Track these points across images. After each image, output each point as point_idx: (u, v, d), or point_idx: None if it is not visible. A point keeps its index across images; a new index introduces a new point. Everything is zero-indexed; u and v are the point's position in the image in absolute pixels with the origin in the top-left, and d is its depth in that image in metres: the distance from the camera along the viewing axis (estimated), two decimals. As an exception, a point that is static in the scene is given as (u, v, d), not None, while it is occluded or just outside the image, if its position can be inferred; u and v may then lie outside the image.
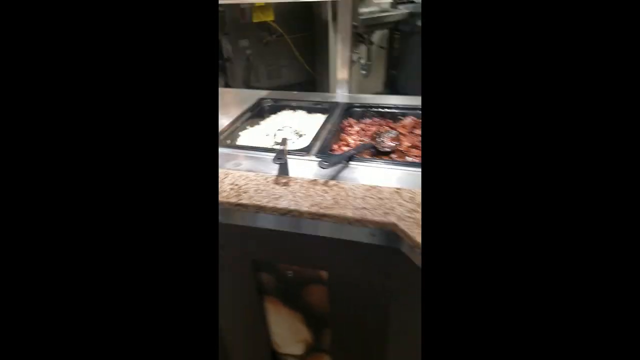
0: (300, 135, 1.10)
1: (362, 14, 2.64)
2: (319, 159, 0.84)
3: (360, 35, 3.10)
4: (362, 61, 3.15)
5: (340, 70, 1.24)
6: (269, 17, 2.83)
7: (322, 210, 0.68)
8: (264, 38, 3.09)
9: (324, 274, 0.82)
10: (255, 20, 2.82)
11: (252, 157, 0.90)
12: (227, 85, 3.48)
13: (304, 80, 3.38)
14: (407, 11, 2.69)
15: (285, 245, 0.80)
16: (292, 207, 0.70)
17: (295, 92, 1.28)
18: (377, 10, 2.81)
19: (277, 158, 0.79)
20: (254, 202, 0.72)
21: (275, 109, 1.23)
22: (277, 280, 0.89)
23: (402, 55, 3.08)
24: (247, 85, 3.18)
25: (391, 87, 3.35)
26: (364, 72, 3.23)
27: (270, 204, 0.71)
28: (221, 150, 0.93)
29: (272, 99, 1.25)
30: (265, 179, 0.80)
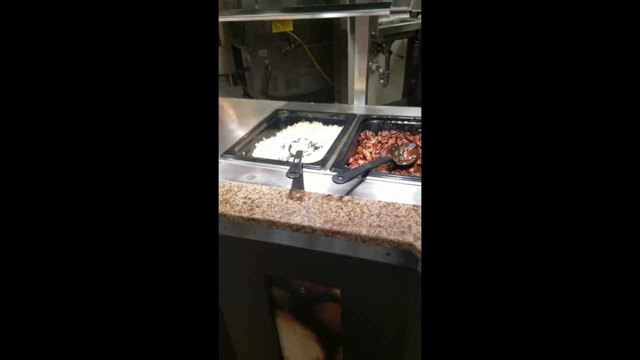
0: (316, 148, 1.08)
1: (381, 24, 2.63)
2: (334, 173, 0.83)
3: (379, 44, 3.09)
4: (381, 70, 3.14)
5: (358, 81, 1.23)
6: (289, 28, 2.87)
7: (335, 228, 0.66)
8: (283, 48, 3.13)
9: (337, 291, 0.80)
10: (275, 31, 2.86)
11: (266, 170, 0.89)
12: (245, 94, 3.54)
13: (322, 89, 3.40)
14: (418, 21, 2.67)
15: (298, 262, 0.78)
16: (306, 224, 0.68)
17: (312, 103, 1.27)
18: (396, 20, 2.80)
19: (291, 172, 0.78)
20: (266, 217, 0.71)
21: (292, 120, 1.23)
22: (290, 296, 0.87)
23: (420, 65, 3.06)
24: (266, 94, 3.22)
25: (410, 96, 3.32)
26: (382, 81, 3.22)
27: (283, 220, 0.70)
28: (235, 162, 0.93)
29: (288, 110, 1.24)
30: (279, 193, 0.78)
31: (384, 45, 3.04)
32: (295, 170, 0.78)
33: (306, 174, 0.85)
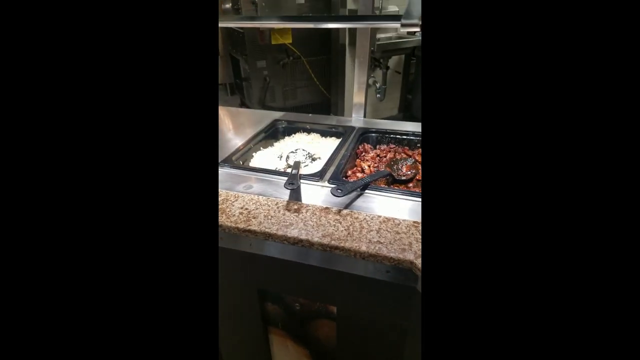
0: (314, 159, 1.07)
1: (379, 40, 2.67)
2: (333, 186, 0.81)
3: (376, 59, 3.14)
4: (378, 85, 3.18)
5: (356, 94, 1.23)
6: (287, 40, 2.89)
7: (334, 242, 0.64)
8: (281, 60, 3.15)
9: (333, 308, 0.77)
10: (274, 43, 2.88)
11: (263, 180, 0.87)
12: (243, 104, 3.54)
13: (319, 101, 3.42)
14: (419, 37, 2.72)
15: (293, 277, 0.75)
16: (303, 237, 0.66)
17: (310, 115, 1.26)
18: (394, 36, 2.85)
19: (289, 183, 0.76)
20: (263, 229, 0.69)
21: (290, 130, 1.22)
22: (284, 312, 0.84)
23: (417, 81, 3.10)
24: (263, 104, 3.23)
25: (406, 111, 3.36)
26: (379, 95, 3.25)
27: (280, 232, 0.68)
28: (232, 171, 0.91)
29: (286, 120, 1.24)
30: (276, 204, 0.76)
31: (381, 60, 3.08)
32: (293, 181, 0.77)
33: (304, 186, 0.83)
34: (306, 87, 3.29)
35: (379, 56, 2.95)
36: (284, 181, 0.78)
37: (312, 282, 0.74)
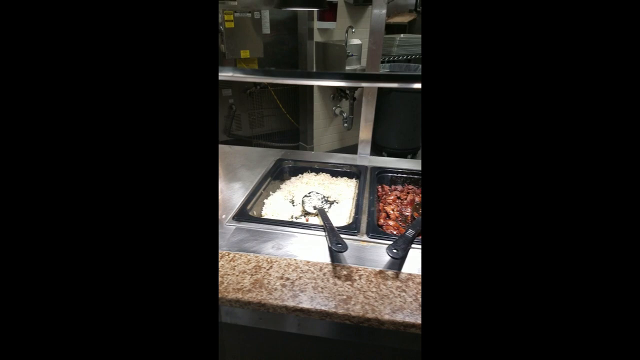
0: (331, 203, 0.97)
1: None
2: (374, 240, 0.72)
3: (343, 90, 3.17)
4: (345, 115, 3.20)
5: (363, 131, 1.16)
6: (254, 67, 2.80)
7: (408, 319, 0.54)
8: (248, 88, 3.05)
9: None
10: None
11: (291, 235, 0.75)
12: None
13: (287, 129, 3.35)
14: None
15: None
16: (370, 315, 0.55)
17: (312, 152, 1.17)
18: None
19: (335, 243, 0.65)
20: (318, 306, 0.56)
21: (296, 170, 1.11)
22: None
23: (379, 111, 3.19)
24: (229, 133, 3.07)
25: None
26: (346, 125, 3.27)
27: (341, 310, 0.56)
28: (252, 226, 0.78)
29: (291, 159, 1.13)
30: (320, 269, 0.65)
31: (347, 92, 3.13)
32: (340, 241, 0.66)
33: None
34: (273, 115, 3.21)
35: (345, 87, 2.98)
36: (313, 233, 0.67)
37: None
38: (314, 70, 2.94)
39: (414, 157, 2.93)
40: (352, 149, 3.43)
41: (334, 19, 2.77)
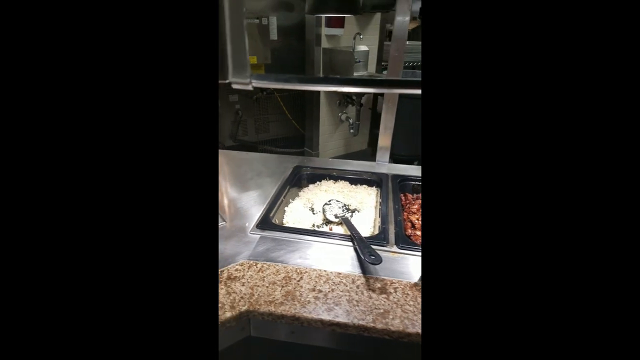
0: (352, 211, 0.95)
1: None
2: (404, 252, 0.69)
3: (349, 96, 3.16)
4: (351, 121, 3.19)
5: (382, 138, 1.15)
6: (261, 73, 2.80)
7: (451, 335, 0.52)
8: (254, 94, 3.04)
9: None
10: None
11: (318, 245, 0.73)
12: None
13: (293, 135, 3.34)
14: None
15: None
16: (410, 330, 0.53)
17: (329, 159, 1.15)
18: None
19: (369, 255, 0.63)
20: (355, 321, 0.54)
21: (314, 177, 1.09)
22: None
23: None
24: (235, 138, 3.06)
25: (374, 146, 3.39)
26: (352, 131, 3.26)
27: (380, 325, 0.53)
28: (277, 235, 0.76)
29: (309, 167, 1.11)
30: (353, 281, 0.62)
31: (354, 97, 3.11)
32: (373, 253, 0.64)
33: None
34: (279, 120, 3.20)
35: (352, 93, 2.98)
36: (338, 243, 0.65)
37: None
38: (321, 74, 2.94)
39: (420, 163, 2.92)
40: (358, 156, 3.41)
41: (341, 25, 2.77)
